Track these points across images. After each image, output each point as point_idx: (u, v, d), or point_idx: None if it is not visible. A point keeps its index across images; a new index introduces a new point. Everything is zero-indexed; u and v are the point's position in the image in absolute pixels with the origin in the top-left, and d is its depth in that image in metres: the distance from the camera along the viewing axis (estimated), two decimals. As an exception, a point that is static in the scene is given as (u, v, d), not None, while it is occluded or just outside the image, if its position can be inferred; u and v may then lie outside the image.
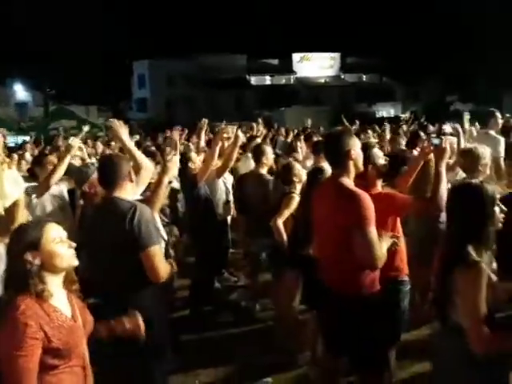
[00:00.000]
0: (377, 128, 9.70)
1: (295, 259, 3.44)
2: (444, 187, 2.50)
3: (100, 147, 8.31)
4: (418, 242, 3.44)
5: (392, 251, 2.60)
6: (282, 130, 12.36)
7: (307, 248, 3.10)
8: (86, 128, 5.19)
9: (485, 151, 3.22)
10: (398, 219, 2.70)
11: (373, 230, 2.22)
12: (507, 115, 10.29)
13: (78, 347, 1.67)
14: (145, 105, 41.68)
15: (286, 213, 3.66)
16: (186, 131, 8.95)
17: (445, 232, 2.02)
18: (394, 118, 22.89)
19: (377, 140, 7.34)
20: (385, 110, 40.37)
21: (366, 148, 2.74)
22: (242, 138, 5.03)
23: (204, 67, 40.65)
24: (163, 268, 2.27)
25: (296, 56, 44.73)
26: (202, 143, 5.50)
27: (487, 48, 32.61)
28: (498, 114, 5.54)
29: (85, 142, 9.75)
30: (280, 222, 3.65)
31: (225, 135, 4.11)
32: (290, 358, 3.54)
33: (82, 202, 3.94)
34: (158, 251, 2.26)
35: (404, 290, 2.76)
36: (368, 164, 2.63)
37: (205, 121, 5.24)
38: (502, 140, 5.18)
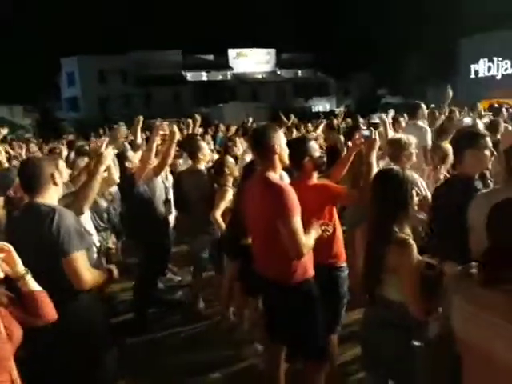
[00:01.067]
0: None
1: (234, 251, 3.49)
2: (374, 176, 2.63)
3: (34, 149, 7.87)
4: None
5: (329, 239, 2.70)
6: (222, 127, 12.38)
7: (246, 239, 3.15)
8: (4, 131, 4.87)
9: (410, 141, 3.40)
10: (334, 208, 2.79)
11: (296, 220, 2.28)
12: (432, 105, 11.13)
13: (4, 361, 1.56)
14: (76, 104, 39.79)
15: (222, 205, 3.75)
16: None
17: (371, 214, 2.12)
18: (330, 113, 23.64)
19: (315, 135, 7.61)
20: (321, 105, 41.60)
21: (304, 141, 2.82)
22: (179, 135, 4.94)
23: (138, 63, 39.53)
24: (87, 275, 2.19)
25: (232, 52, 44.73)
26: (139, 140, 5.35)
27: (413, 46, 34.53)
28: (424, 106, 5.89)
29: (10, 144, 9.18)
30: (218, 215, 3.73)
31: (161, 132, 4.04)
32: (237, 352, 3.57)
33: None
34: (80, 257, 2.17)
35: (342, 275, 2.88)
36: (305, 156, 2.71)
37: (140, 118, 5.10)
38: (429, 130, 5.52)
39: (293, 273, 2.41)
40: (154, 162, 4.20)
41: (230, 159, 4.12)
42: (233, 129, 10.53)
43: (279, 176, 2.57)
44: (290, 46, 44.94)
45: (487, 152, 2.53)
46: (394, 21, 35.99)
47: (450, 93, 6.35)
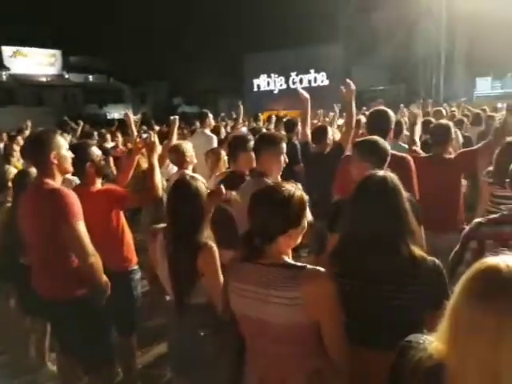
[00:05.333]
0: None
1: (9, 271, 3.16)
2: (158, 177, 2.75)
3: None
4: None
5: (118, 244, 2.74)
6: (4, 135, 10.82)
7: (20, 257, 2.89)
8: None
9: (187, 146, 3.72)
10: (122, 212, 2.81)
11: (81, 226, 2.21)
12: (222, 114, 12.14)
13: None
14: None
15: None
16: None
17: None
18: (125, 120, 23.14)
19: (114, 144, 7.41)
20: (116, 112, 40.23)
21: (85, 146, 2.75)
22: None
23: None
24: None
25: (7, 50, 39.19)
26: None
27: (205, 57, 36.60)
28: (210, 115, 6.40)
29: None
30: None
31: None
32: (32, 378, 3.26)
33: None
34: None
35: (135, 278, 2.91)
36: (86, 162, 2.65)
37: None
38: (215, 137, 6.03)
39: (72, 288, 2.28)
40: None
41: (12, 169, 3.67)
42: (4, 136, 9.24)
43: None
44: (78, 49, 42.02)
45: (253, 154, 2.99)
46: (185, 32, 37.56)
47: (241, 107, 7.21)
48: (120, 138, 8.08)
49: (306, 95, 3.99)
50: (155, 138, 2.79)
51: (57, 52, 41.71)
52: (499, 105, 10.71)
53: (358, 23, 25.02)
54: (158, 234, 2.15)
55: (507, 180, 2.06)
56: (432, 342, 1.10)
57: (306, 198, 1.61)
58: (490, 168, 3.41)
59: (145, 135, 2.85)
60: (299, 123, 6.07)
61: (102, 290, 2.36)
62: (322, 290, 1.47)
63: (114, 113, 38.80)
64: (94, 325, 2.36)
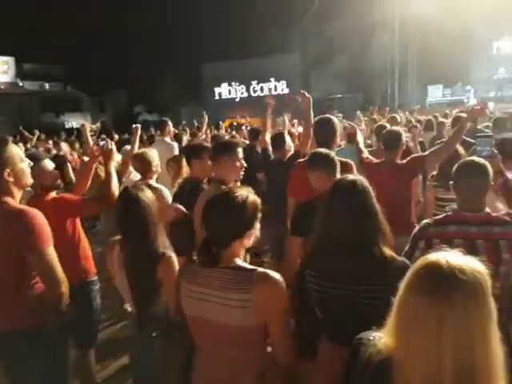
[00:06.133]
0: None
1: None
2: (115, 185, 2.71)
3: None
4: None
5: (76, 255, 2.68)
6: None
7: None
8: None
9: (153, 155, 3.66)
10: (78, 220, 2.74)
11: (51, 251, 2.00)
12: (184, 122, 12.18)
13: None
14: None
15: None
16: None
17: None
18: (84, 129, 22.56)
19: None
20: (74, 121, 39.16)
21: (37, 159, 2.67)
22: None
23: None
24: None
25: (-44, 57, 37.37)
26: None
27: (166, 66, 36.32)
28: (170, 123, 6.37)
29: None
30: None
31: None
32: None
33: None
34: None
35: (94, 289, 2.84)
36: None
37: None
38: (176, 145, 5.99)
39: (28, 315, 2.06)
40: None
41: None
42: None
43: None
44: (32, 56, 40.62)
45: (209, 162, 2.99)
46: (145, 40, 37.19)
47: (206, 117, 7.24)
48: (65, 149, 7.78)
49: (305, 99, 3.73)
50: (112, 146, 2.76)
51: (9, 59, 40.16)
52: (447, 111, 11.30)
53: (315, 34, 25.71)
54: (115, 245, 2.10)
55: (451, 182, 2.17)
56: (381, 338, 1.15)
57: (259, 201, 1.66)
58: (435, 172, 3.59)
59: (102, 143, 2.81)
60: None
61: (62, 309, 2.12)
62: (272, 291, 1.52)
63: (72, 121, 37.80)
64: (46, 362, 2.14)
